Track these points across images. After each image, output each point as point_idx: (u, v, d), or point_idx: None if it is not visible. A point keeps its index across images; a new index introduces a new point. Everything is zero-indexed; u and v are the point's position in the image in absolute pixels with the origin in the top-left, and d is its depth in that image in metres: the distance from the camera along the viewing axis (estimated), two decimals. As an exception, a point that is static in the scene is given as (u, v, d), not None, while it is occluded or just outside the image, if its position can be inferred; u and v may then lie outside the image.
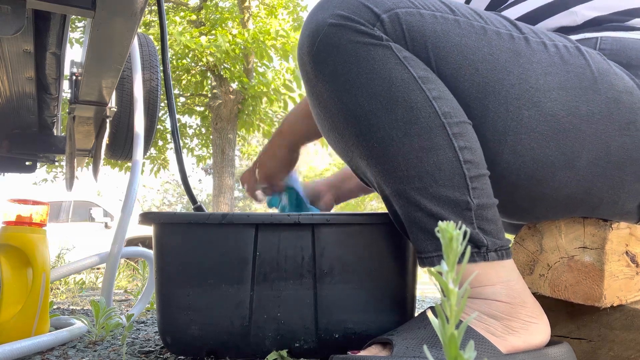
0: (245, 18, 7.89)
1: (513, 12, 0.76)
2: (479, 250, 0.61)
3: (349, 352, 0.66)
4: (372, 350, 0.64)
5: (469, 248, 0.26)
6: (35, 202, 0.91)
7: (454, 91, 0.63)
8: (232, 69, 7.34)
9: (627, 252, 0.71)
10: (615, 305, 0.70)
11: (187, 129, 9.19)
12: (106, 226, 7.22)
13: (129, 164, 6.77)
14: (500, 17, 0.67)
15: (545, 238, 0.74)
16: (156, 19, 7.55)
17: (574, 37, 0.71)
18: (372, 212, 0.77)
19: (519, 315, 0.61)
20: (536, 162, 0.64)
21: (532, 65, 0.63)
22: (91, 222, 7.30)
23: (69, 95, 1.77)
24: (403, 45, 0.62)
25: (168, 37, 4.28)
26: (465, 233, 0.26)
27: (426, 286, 3.47)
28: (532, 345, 0.61)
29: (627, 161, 0.65)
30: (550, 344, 0.63)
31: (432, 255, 0.63)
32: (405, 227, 0.66)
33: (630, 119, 0.65)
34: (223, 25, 7.58)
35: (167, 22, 3.18)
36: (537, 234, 0.75)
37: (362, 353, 0.64)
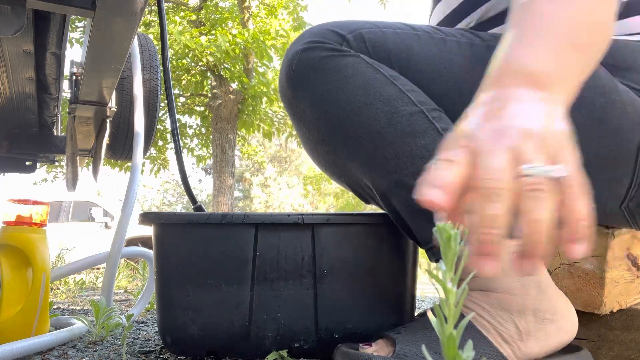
0: (245, 18, 7.89)
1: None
2: None
3: (361, 345, 0.67)
4: (380, 343, 0.65)
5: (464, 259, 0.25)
6: (35, 202, 0.91)
7: None
8: (232, 68, 7.34)
9: (628, 256, 0.70)
10: (615, 310, 0.70)
11: (187, 129, 9.18)
12: (106, 226, 7.22)
13: (129, 164, 6.77)
14: (464, 31, 0.70)
15: None
16: (156, 18, 7.55)
17: None
18: (372, 212, 0.77)
19: (534, 312, 0.59)
20: None
21: None
22: (91, 222, 7.30)
23: (69, 95, 1.77)
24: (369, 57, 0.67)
25: (168, 36, 4.28)
26: (463, 232, 0.26)
27: (426, 286, 3.47)
28: (550, 348, 0.59)
29: (601, 164, 0.64)
30: (569, 348, 0.62)
31: None
32: (409, 221, 0.66)
33: (604, 118, 0.63)
34: (223, 25, 7.58)
35: (167, 21, 3.18)
36: None
37: (373, 347, 0.65)
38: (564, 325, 0.60)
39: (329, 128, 0.67)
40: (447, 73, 0.66)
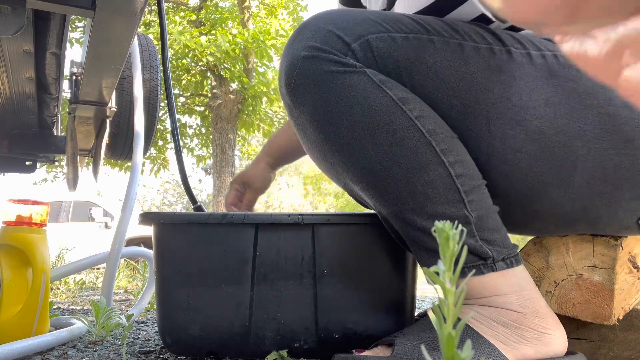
0: (245, 18, 7.89)
1: None
2: (486, 261, 0.59)
3: (354, 351, 0.66)
4: (376, 351, 0.64)
5: (462, 259, 0.25)
6: (35, 202, 0.91)
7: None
8: (232, 68, 7.34)
9: (629, 259, 0.70)
10: (621, 317, 0.69)
11: (187, 128, 9.19)
12: (106, 226, 7.22)
13: (129, 164, 6.77)
14: (482, 29, 0.63)
15: (552, 255, 0.73)
16: (156, 18, 7.55)
17: None
18: (373, 212, 0.77)
19: (532, 325, 0.59)
20: (526, 181, 0.62)
21: (515, 81, 0.60)
22: (91, 222, 7.30)
23: (69, 95, 1.77)
24: (377, 71, 0.61)
25: (168, 36, 4.28)
26: (462, 232, 0.26)
27: (426, 286, 3.47)
28: (545, 355, 0.59)
29: (624, 180, 0.62)
30: (566, 354, 0.61)
31: None
32: (409, 245, 0.65)
33: (629, 136, 0.60)
34: (223, 25, 7.58)
35: (167, 21, 3.18)
36: (542, 250, 0.74)
37: (367, 353, 0.64)
38: (556, 338, 0.60)
39: (328, 148, 0.64)
40: (464, 87, 0.60)
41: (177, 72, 7.70)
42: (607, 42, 0.14)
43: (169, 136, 8.42)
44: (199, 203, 1.06)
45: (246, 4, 7.93)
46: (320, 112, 0.62)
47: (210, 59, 7.04)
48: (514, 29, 0.67)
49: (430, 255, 0.61)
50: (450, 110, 0.61)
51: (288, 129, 0.99)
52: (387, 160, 0.60)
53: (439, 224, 0.23)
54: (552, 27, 0.14)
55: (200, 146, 9.35)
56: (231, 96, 7.69)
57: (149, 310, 1.51)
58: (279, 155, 1.01)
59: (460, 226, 0.26)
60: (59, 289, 2.37)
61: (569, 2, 0.12)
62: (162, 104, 2.31)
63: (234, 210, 1.01)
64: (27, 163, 2.27)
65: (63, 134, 2.42)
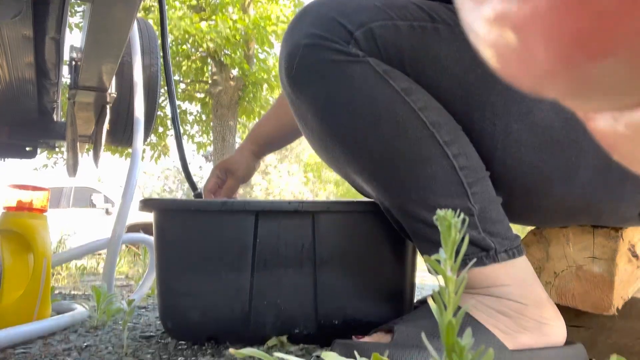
0: (246, 3, 7.82)
1: None
2: (488, 253, 0.59)
3: (354, 337, 0.67)
4: (376, 337, 0.64)
5: (463, 249, 0.25)
6: (35, 188, 0.91)
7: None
8: (233, 55, 7.29)
9: (629, 248, 0.70)
10: (620, 307, 0.70)
11: (188, 115, 9.16)
12: (107, 212, 7.24)
13: (130, 150, 6.76)
14: None
15: (552, 246, 0.72)
16: (156, 3, 7.48)
17: None
18: (372, 199, 0.77)
19: (532, 315, 0.59)
20: (529, 175, 0.62)
21: None
22: (92, 208, 7.32)
23: (68, 81, 1.77)
24: (381, 60, 0.60)
25: (168, 22, 4.24)
26: (464, 221, 0.26)
27: (426, 273, 3.48)
28: (544, 345, 0.59)
29: (628, 175, 0.61)
30: (565, 343, 0.61)
31: None
32: (411, 235, 0.65)
33: None
34: (223, 10, 7.51)
35: (166, 7, 3.15)
36: (542, 241, 0.74)
37: (366, 339, 0.64)
38: (556, 329, 0.60)
39: (330, 139, 0.63)
40: (469, 78, 0.59)
41: (177, 58, 7.66)
42: (629, 128, 0.12)
43: (169, 123, 8.40)
44: (199, 190, 1.06)
45: (247, -11, 7.85)
46: (321, 102, 0.61)
47: (211, 45, 6.99)
48: None
49: (432, 246, 0.61)
50: (455, 102, 0.60)
51: (273, 116, 0.97)
52: (389, 152, 0.59)
53: (440, 212, 0.23)
54: (561, 99, 0.12)
55: (200, 133, 9.34)
56: (232, 83, 7.66)
57: (150, 296, 1.52)
58: (264, 143, 0.99)
59: (462, 214, 0.26)
60: (60, 274, 2.38)
61: (569, 71, 0.10)
62: (162, 90, 2.30)
63: (212, 197, 0.98)
64: (27, 149, 2.26)
65: (63, 120, 2.41)
